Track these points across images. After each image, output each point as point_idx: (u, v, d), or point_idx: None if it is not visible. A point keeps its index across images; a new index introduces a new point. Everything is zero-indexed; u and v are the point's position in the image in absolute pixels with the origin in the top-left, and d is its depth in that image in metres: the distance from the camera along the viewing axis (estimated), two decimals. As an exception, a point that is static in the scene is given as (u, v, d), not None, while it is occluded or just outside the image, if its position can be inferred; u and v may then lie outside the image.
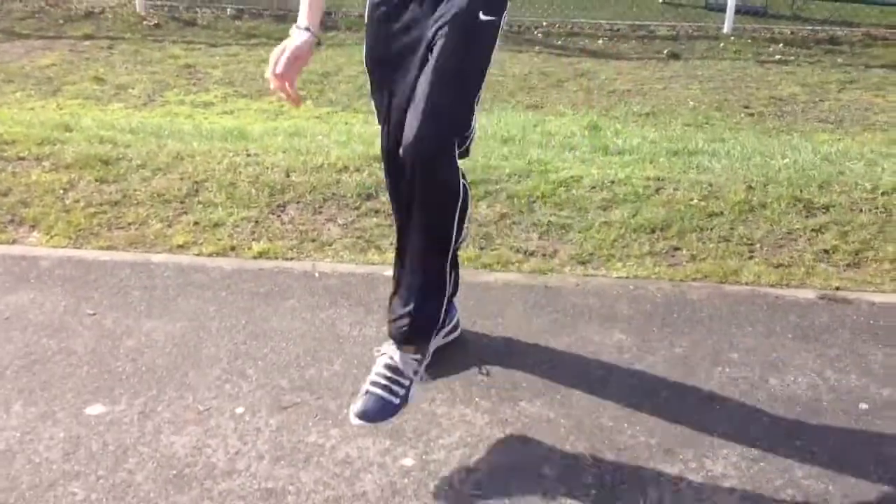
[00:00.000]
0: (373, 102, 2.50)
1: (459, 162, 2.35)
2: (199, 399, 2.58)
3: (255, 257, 3.41)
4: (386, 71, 2.41)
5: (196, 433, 2.44)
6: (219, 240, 3.51)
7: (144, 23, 8.15)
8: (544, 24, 8.04)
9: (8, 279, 3.19)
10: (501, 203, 3.70)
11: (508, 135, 4.61)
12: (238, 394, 2.60)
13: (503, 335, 2.89)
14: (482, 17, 2.25)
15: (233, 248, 3.46)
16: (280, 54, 2.25)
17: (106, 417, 2.51)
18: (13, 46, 7.53)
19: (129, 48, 7.57)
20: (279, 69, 2.24)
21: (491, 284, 3.21)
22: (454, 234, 2.38)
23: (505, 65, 7.09)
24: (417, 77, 2.29)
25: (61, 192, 3.78)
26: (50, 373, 2.70)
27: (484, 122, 5.08)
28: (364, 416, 2.36)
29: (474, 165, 3.92)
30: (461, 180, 2.34)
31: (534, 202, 3.71)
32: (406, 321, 2.42)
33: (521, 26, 8.01)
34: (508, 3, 2.35)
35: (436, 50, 2.24)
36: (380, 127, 2.49)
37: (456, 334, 2.82)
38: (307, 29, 2.29)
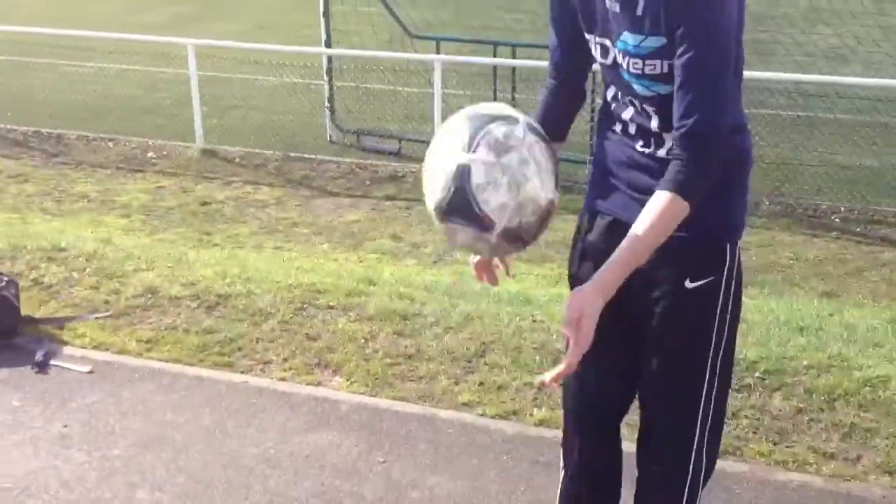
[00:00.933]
0: None
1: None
2: (477, 563, 2.58)
3: (536, 424, 3.44)
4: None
5: None
6: (502, 402, 3.58)
7: (440, 187, 8.75)
8: (842, 209, 7.74)
9: (311, 419, 3.42)
10: (798, 397, 3.50)
11: (803, 323, 4.39)
12: (515, 564, 2.58)
13: (801, 543, 2.67)
14: (688, 284, 2.01)
15: (515, 413, 3.51)
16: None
17: (388, 568, 2.58)
18: (325, 202, 8.32)
19: (425, 210, 8.09)
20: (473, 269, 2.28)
21: (786, 484, 3.01)
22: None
23: (798, 248, 6.85)
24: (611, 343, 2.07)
25: (363, 341, 4.05)
26: (341, 515, 2.84)
27: (774, 306, 4.90)
28: None
29: (769, 354, 3.76)
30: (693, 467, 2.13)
31: (835, 400, 3.47)
32: None
33: (818, 210, 7.77)
34: (731, 256, 2.05)
35: (649, 333, 2.06)
36: None
37: None
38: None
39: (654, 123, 2.03)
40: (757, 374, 3.62)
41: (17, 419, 3.36)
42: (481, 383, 3.71)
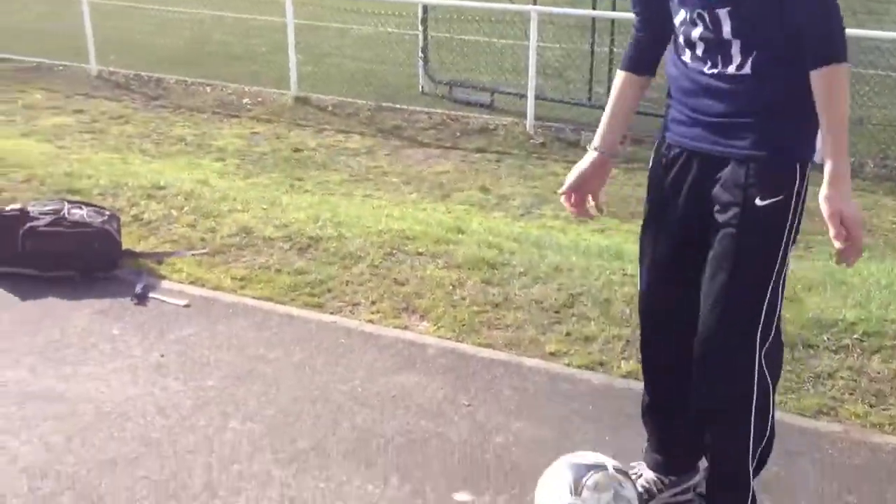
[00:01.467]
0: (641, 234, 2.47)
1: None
2: (559, 508, 2.58)
3: (623, 376, 3.40)
4: (655, 211, 2.41)
5: (553, 542, 2.44)
6: (589, 353, 3.55)
7: (531, 141, 8.67)
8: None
9: (398, 361, 3.46)
10: (898, 360, 3.39)
11: (906, 287, 4.23)
12: (597, 511, 2.57)
13: (894, 507, 2.60)
14: (759, 202, 2.11)
15: (601, 364, 3.48)
16: (571, 174, 2.45)
17: (471, 507, 2.60)
18: (415, 153, 8.35)
19: (514, 163, 8.07)
20: (563, 188, 2.46)
21: (881, 447, 2.92)
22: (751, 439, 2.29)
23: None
24: (678, 249, 2.33)
25: (451, 288, 4.07)
26: (424, 454, 2.87)
27: (874, 269, 4.72)
28: None
29: (868, 316, 3.64)
30: (757, 381, 2.23)
31: (937, 364, 3.35)
32: None
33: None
34: (801, 177, 2.14)
35: (716, 250, 2.20)
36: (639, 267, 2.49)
37: None
38: (595, 149, 2.44)
39: (726, 29, 2.10)
40: (855, 336, 3.51)
41: (117, 348, 3.48)
42: (568, 334, 3.69)
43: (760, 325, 2.17)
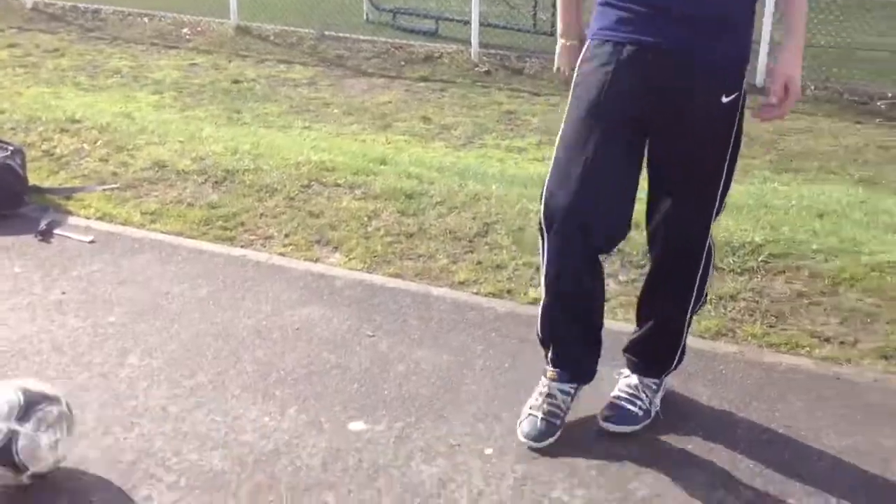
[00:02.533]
0: (564, 130, 2.45)
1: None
2: (452, 433, 2.60)
3: (529, 303, 3.40)
4: (594, 111, 2.39)
5: (444, 466, 2.46)
6: (498, 281, 3.55)
7: (476, 69, 8.55)
8: (889, 95, 7.40)
9: (305, 294, 3.43)
10: (802, 281, 3.41)
11: (825, 209, 4.25)
12: (490, 435, 2.59)
13: (780, 424, 2.63)
14: (724, 99, 2.27)
15: (509, 292, 3.48)
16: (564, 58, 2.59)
17: (365, 435, 2.60)
18: (358, 82, 8.21)
19: (458, 92, 7.97)
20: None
21: (775, 367, 2.95)
22: (693, 297, 2.52)
23: (839, 135, 6.59)
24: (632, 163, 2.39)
25: (366, 219, 4.03)
26: (324, 385, 2.86)
27: (805, 192, 4.75)
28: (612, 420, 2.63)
29: (777, 237, 3.65)
30: (706, 251, 2.47)
31: (838, 284, 3.37)
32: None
33: (864, 95, 7.45)
34: (746, 73, 2.34)
35: (682, 145, 2.32)
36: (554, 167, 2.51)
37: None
38: (571, 42, 2.56)
39: None
40: (761, 258, 3.53)
41: (17, 285, 3.42)
42: (479, 262, 3.68)
43: (716, 208, 2.41)
